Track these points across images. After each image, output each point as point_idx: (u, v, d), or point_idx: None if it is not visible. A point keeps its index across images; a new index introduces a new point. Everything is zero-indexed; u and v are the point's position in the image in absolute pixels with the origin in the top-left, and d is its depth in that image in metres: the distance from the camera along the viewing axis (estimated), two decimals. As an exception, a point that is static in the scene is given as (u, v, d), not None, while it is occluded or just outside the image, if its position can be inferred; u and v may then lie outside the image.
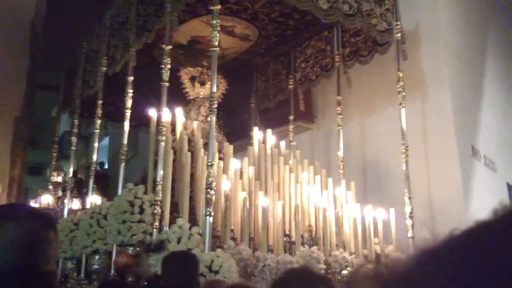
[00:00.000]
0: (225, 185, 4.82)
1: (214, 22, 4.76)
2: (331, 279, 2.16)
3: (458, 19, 7.13)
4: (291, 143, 6.78)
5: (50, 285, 1.21)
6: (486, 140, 6.81)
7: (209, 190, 4.24)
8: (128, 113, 5.50)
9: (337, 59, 6.57)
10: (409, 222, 5.31)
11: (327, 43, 6.80)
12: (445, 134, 6.27)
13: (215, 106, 4.57)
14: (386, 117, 6.69)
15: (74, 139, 6.98)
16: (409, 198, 5.38)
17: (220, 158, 5.30)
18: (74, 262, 5.46)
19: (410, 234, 5.28)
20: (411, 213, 5.34)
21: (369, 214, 5.50)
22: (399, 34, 5.81)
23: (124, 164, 5.40)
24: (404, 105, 5.66)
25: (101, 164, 13.45)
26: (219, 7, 4.90)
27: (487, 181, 6.59)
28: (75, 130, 7.01)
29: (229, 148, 5.55)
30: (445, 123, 6.30)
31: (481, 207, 6.12)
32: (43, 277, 1.18)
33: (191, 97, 6.52)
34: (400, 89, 5.69)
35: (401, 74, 5.71)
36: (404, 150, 5.53)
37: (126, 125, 5.50)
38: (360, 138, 7.18)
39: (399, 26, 5.84)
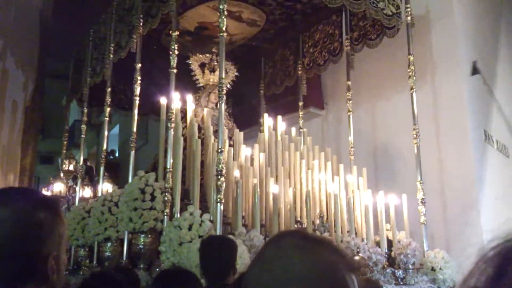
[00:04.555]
0: (236, 172, 4.80)
1: (221, 7, 4.71)
2: None
3: (470, 2, 7.00)
4: (301, 130, 6.74)
5: (40, 269, 1.15)
6: (499, 125, 6.73)
7: (219, 177, 4.23)
8: (137, 100, 5.48)
9: (346, 43, 6.49)
10: (421, 208, 5.27)
11: (335, 27, 6.71)
12: (458, 119, 6.19)
13: (224, 92, 4.54)
14: (397, 102, 6.63)
15: (83, 127, 6.99)
16: (421, 184, 5.34)
17: (230, 145, 5.28)
18: (87, 249, 5.49)
19: (422, 220, 5.25)
20: (423, 199, 5.29)
21: (380, 200, 5.47)
22: (409, 17, 5.73)
23: (134, 152, 5.40)
24: (415, 89, 5.59)
25: (112, 152, 13.50)
26: (225, -9, 4.84)
27: (500, 167, 6.53)
28: (85, 119, 7.02)
29: (239, 135, 5.53)
30: (457, 108, 6.23)
31: (494, 192, 6.08)
32: (32, 261, 1.15)
33: (201, 84, 6.49)
34: (411, 73, 5.62)
35: (411, 58, 5.63)
36: (415, 135, 5.48)
37: (135, 113, 5.48)
38: (371, 124, 7.13)
39: (409, 9, 5.75)
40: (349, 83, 6.50)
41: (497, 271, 0.65)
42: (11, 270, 1.11)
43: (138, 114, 5.53)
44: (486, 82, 5.62)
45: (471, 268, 0.68)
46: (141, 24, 5.54)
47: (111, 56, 6.13)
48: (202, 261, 2.92)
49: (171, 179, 4.55)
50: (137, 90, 5.48)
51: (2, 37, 7.38)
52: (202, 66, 6.52)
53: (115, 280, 2.57)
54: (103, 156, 6.25)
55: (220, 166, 4.25)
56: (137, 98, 5.46)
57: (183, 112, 5.53)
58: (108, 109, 6.26)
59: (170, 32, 5.19)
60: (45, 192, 8.55)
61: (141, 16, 5.57)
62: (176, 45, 5.04)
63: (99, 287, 2.52)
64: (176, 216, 4.39)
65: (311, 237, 0.93)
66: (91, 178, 9.73)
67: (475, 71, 5.96)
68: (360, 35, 6.38)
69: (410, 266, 5.08)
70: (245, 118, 7.31)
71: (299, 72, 7.14)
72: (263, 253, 0.91)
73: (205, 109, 5.95)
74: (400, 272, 5.03)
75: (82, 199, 6.95)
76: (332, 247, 0.91)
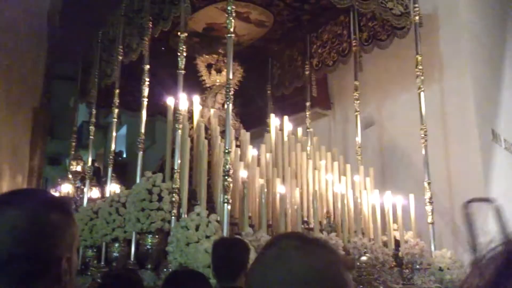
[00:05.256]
0: (243, 172, 4.81)
1: (229, 8, 4.72)
2: None
3: (477, 2, 6.98)
4: (308, 130, 6.74)
5: (54, 271, 1.16)
6: (506, 124, 6.69)
7: (226, 177, 4.24)
8: (145, 102, 5.50)
9: (354, 44, 6.49)
10: (428, 208, 5.26)
11: (343, 27, 6.72)
12: (465, 118, 6.17)
13: (231, 93, 4.55)
14: (404, 101, 6.61)
15: (92, 128, 7.02)
16: (429, 183, 5.32)
17: (237, 146, 5.29)
18: (95, 250, 5.52)
19: (429, 220, 5.23)
20: (430, 199, 5.28)
21: (388, 200, 5.46)
22: (417, 17, 5.71)
23: (142, 152, 5.42)
24: (423, 89, 5.57)
25: (120, 153, 13.55)
26: (234, -8, 4.86)
27: (508, 166, 6.49)
28: (93, 120, 7.05)
29: (246, 135, 5.54)
30: (465, 107, 6.20)
31: (502, 191, 6.05)
32: (46, 263, 1.16)
33: (207, 85, 6.51)
34: (418, 73, 5.60)
35: (419, 58, 5.62)
36: (423, 135, 5.46)
37: (143, 114, 5.51)
38: (378, 124, 7.11)
39: (417, 9, 5.73)
40: (357, 83, 6.50)
41: (498, 272, 0.65)
42: (24, 272, 1.12)
43: (146, 115, 5.55)
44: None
45: (471, 269, 0.69)
46: (151, 26, 5.56)
47: (120, 58, 6.16)
48: (214, 262, 2.93)
49: (178, 180, 4.56)
50: (145, 91, 5.50)
51: (11, 40, 7.42)
52: (209, 66, 6.54)
53: (132, 280, 2.61)
54: (111, 157, 6.28)
55: (227, 166, 4.26)
56: (145, 100, 5.49)
57: (190, 113, 5.55)
58: (117, 110, 6.29)
59: (178, 33, 5.20)
60: (54, 193, 8.60)
61: (151, 18, 5.59)
62: (184, 46, 5.06)
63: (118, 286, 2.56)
64: (183, 216, 4.41)
65: (308, 238, 0.98)
66: (98, 179, 9.77)
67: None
68: (370, 35, 6.37)
69: (418, 266, 5.06)
70: (251, 119, 7.32)
71: (307, 73, 7.14)
72: (264, 255, 0.95)
73: (212, 110, 5.97)
74: (407, 272, 5.02)
75: (90, 200, 6.98)
76: (328, 247, 0.96)
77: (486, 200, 4.42)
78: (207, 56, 6.59)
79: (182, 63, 5.01)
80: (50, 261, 1.15)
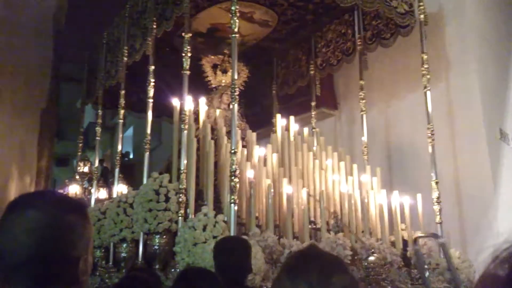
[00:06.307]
0: (249, 172, 4.81)
1: (233, 8, 4.72)
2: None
3: (484, 0, 6.94)
4: (314, 130, 6.72)
5: (72, 272, 1.17)
6: (514, 123, 6.65)
7: (233, 177, 4.24)
8: (150, 102, 5.51)
9: (359, 43, 6.47)
10: (436, 207, 5.23)
11: (347, 26, 6.70)
12: (472, 117, 6.14)
13: (237, 93, 4.55)
14: (411, 101, 6.59)
15: (98, 129, 7.05)
16: (436, 183, 5.30)
17: (243, 146, 5.30)
18: (103, 250, 5.54)
19: (437, 219, 5.21)
20: (438, 198, 5.26)
21: (395, 199, 5.44)
22: (422, 15, 5.69)
23: (148, 153, 5.44)
24: (429, 88, 5.55)
25: (127, 154, 13.59)
26: (238, -8, 4.85)
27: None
28: (100, 121, 7.08)
29: (252, 135, 5.54)
30: (472, 106, 6.17)
31: (510, 190, 6.01)
32: (64, 264, 1.17)
33: (213, 85, 6.51)
34: (424, 71, 5.58)
35: (425, 57, 5.60)
36: (430, 134, 5.44)
37: (149, 115, 5.52)
38: (384, 123, 7.09)
39: (422, 7, 5.71)
40: (362, 82, 6.48)
41: (509, 274, 0.65)
42: (43, 272, 1.13)
43: (152, 116, 5.56)
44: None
45: (484, 270, 0.69)
46: (155, 26, 5.57)
47: (125, 59, 6.18)
48: (216, 263, 2.93)
49: (185, 180, 4.57)
50: (151, 92, 5.51)
51: (17, 42, 7.47)
52: (214, 67, 6.54)
53: (148, 282, 2.61)
54: (117, 158, 6.30)
55: (234, 167, 4.26)
56: (151, 100, 5.50)
57: (196, 113, 5.55)
58: (123, 111, 6.31)
59: (183, 34, 5.21)
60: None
61: (155, 18, 5.60)
62: (188, 47, 5.07)
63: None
64: (190, 217, 4.42)
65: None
66: (106, 180, 9.80)
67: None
68: (374, 34, 6.35)
69: (426, 266, 5.04)
70: (257, 119, 7.31)
71: (312, 72, 7.13)
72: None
73: (218, 110, 5.97)
74: (415, 272, 5.00)
75: (98, 200, 7.01)
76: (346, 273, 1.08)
77: (433, 235, 4.48)
78: (212, 57, 6.60)
79: (187, 63, 5.02)
80: (68, 262, 1.16)
